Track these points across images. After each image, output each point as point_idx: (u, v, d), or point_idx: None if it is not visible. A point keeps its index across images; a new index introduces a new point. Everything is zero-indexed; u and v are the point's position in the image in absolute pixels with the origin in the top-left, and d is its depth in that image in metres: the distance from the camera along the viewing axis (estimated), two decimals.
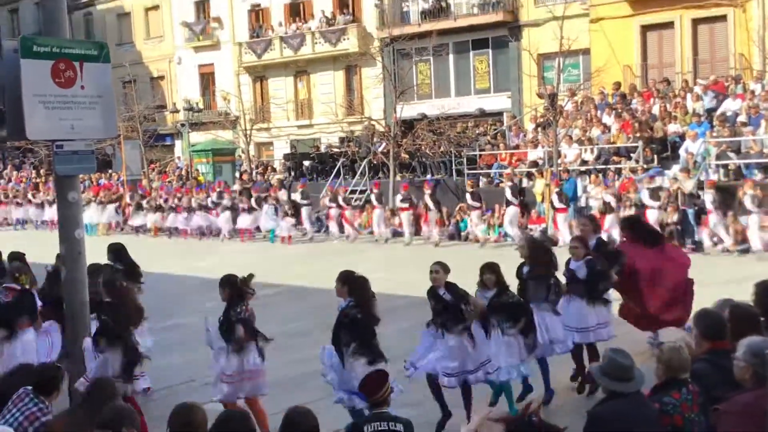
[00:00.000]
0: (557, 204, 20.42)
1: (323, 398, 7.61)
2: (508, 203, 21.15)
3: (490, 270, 8.21)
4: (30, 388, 5.42)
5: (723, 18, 26.51)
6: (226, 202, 25.75)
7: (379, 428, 5.54)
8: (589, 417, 4.82)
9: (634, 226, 10.03)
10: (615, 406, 4.75)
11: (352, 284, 7.56)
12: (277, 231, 24.27)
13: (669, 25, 27.54)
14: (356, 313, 7.36)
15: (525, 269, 8.55)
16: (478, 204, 21.86)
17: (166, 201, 27.87)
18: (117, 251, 10.29)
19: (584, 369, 8.51)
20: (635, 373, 4.83)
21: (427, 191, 22.50)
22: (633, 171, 20.67)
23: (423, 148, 27.13)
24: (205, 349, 11.28)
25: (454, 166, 25.71)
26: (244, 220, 25.12)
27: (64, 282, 7.49)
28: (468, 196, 22.18)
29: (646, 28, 28.18)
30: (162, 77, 43.50)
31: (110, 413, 4.61)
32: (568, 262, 8.80)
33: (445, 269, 7.93)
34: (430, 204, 22.34)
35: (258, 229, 25.50)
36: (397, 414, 5.76)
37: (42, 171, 37.26)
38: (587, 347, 8.81)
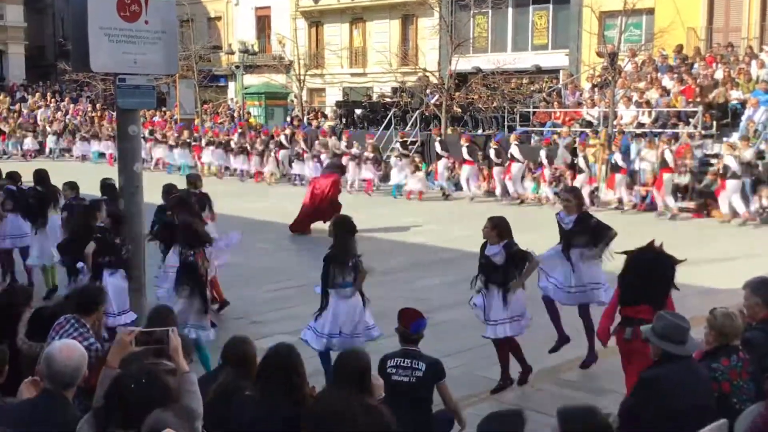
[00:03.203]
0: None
1: (369, 341, 7.66)
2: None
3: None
4: (70, 315, 5.57)
5: None
6: (355, 150, 24.15)
7: (401, 364, 5.71)
8: (641, 380, 4.74)
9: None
10: (668, 369, 4.64)
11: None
12: (407, 186, 22.71)
13: None
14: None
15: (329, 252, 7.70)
16: (445, 153, 22.88)
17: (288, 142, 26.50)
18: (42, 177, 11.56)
19: (508, 371, 7.84)
20: (690, 336, 4.73)
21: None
22: (690, 136, 20.25)
23: (476, 102, 26.87)
24: (255, 288, 11.59)
25: (506, 122, 25.46)
26: (368, 172, 23.72)
27: (123, 214, 7.65)
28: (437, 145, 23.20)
29: None
30: (219, 18, 43.54)
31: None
32: (483, 246, 7.79)
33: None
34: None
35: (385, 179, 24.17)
36: (430, 357, 5.84)
37: (98, 105, 37.79)
38: (498, 343, 7.81)
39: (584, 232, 8.01)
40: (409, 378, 5.63)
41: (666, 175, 18.89)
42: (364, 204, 21.41)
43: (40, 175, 11.61)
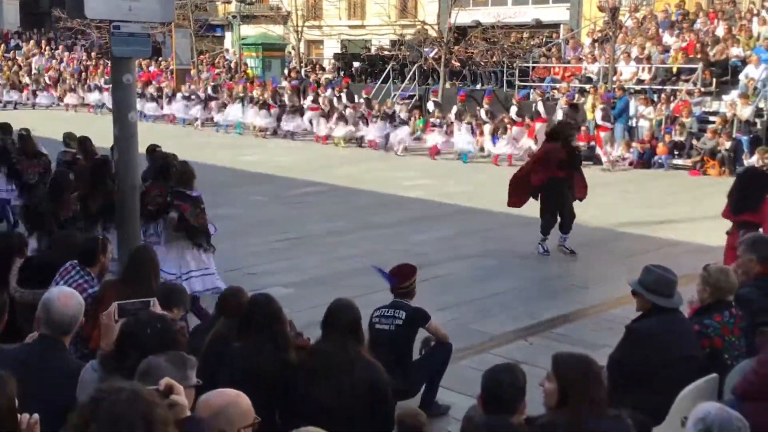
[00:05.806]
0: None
1: (363, 295, 7.69)
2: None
3: None
4: (76, 261, 5.60)
5: None
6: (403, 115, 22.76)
7: (385, 313, 5.80)
8: (627, 332, 4.76)
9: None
10: (655, 320, 4.67)
11: None
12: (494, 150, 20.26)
13: None
14: None
15: None
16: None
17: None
18: None
19: None
20: (676, 290, 4.76)
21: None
22: (689, 93, 20.14)
23: (475, 56, 26.62)
24: (249, 240, 11.58)
25: (505, 77, 25.26)
26: (435, 137, 21.29)
27: (116, 163, 7.60)
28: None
29: None
30: None
31: (162, 292, 4.75)
32: None
33: None
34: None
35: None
36: (413, 305, 5.89)
37: (93, 54, 37.41)
38: None
39: None
40: (389, 326, 5.70)
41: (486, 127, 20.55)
42: (348, 157, 21.38)
43: None
